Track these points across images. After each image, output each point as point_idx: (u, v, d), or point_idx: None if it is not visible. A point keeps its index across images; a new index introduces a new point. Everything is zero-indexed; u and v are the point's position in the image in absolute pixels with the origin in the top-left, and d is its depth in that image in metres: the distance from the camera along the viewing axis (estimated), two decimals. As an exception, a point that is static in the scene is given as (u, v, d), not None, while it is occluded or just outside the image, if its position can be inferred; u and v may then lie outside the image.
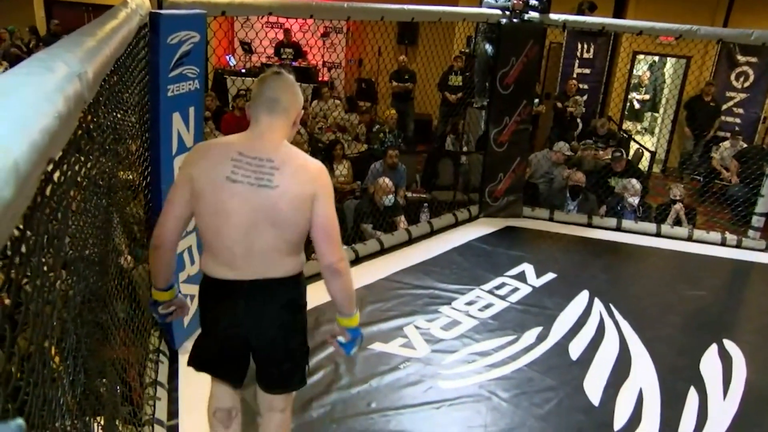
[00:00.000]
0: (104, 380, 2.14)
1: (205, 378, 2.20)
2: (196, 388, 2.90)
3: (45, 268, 1.17)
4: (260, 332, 2.04)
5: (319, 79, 10.13)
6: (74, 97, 1.11)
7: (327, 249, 2.00)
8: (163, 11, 2.75)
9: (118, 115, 2.22)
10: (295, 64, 9.83)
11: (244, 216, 1.88)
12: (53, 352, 1.35)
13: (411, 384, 3.08)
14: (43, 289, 1.15)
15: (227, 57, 9.89)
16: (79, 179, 1.44)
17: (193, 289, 3.25)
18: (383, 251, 4.66)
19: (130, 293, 2.69)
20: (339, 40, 10.51)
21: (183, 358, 3.12)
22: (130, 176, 2.91)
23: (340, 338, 2.15)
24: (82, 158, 1.46)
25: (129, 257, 2.98)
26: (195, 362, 2.19)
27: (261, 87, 1.99)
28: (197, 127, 3.09)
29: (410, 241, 4.89)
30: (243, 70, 9.76)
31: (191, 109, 3.01)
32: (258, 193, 1.86)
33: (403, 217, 5.23)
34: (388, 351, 3.35)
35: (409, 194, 6.03)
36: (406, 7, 4.35)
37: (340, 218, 5.16)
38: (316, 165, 1.98)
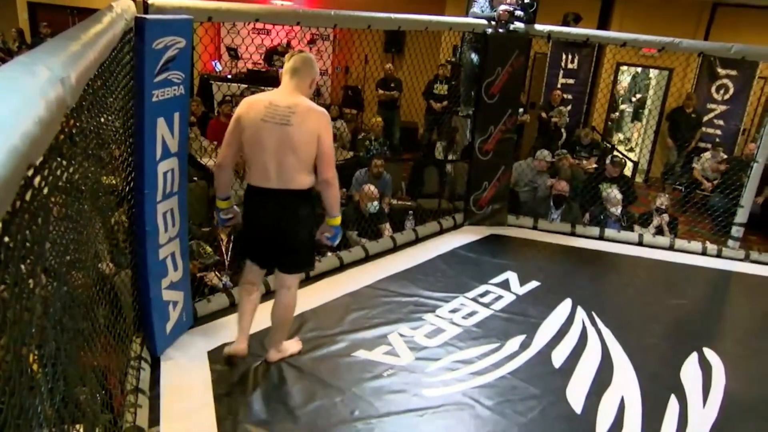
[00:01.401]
0: (84, 388, 2.11)
1: (187, 386, 2.19)
2: (178, 396, 2.89)
3: (24, 275, 1.15)
4: (280, 224, 2.91)
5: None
6: (56, 101, 1.10)
7: (324, 168, 2.88)
8: (148, 16, 2.74)
9: (102, 120, 2.21)
10: (281, 70, 9.81)
11: (272, 145, 2.79)
12: (32, 359, 1.34)
13: (395, 392, 3.07)
14: (21, 295, 1.13)
15: (213, 62, 9.86)
16: (60, 184, 1.43)
17: (177, 296, 3.24)
18: (368, 258, 4.66)
19: (112, 299, 2.66)
20: (326, 48, 10.53)
21: (165, 365, 3.11)
22: (114, 181, 2.88)
23: (327, 234, 3.07)
24: (64, 163, 1.45)
25: (111, 263, 2.96)
26: (240, 252, 3.46)
27: (288, 60, 2.92)
28: (182, 133, 3.07)
29: (395, 248, 4.90)
30: (229, 76, 9.73)
31: (176, 115, 3.00)
32: (281, 129, 2.78)
33: (388, 225, 5.24)
34: (372, 359, 3.34)
35: (395, 202, 6.04)
36: (393, 15, 4.37)
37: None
38: (320, 111, 2.85)
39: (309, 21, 4.19)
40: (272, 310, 3.17)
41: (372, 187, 5.12)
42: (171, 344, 3.27)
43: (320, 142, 2.82)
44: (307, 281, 4.18)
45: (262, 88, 8.92)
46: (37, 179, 1.16)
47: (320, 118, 2.82)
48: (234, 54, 9.89)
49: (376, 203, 5.05)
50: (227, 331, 3.47)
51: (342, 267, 4.46)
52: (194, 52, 3.33)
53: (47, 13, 10.24)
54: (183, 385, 2.99)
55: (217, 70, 9.82)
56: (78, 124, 1.67)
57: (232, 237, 4.39)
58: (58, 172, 1.38)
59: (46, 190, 1.25)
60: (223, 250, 4.35)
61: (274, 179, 2.84)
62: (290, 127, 2.77)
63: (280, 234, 2.94)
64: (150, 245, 2.96)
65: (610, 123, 9.47)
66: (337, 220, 3.04)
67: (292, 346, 3.36)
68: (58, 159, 1.38)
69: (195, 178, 5.48)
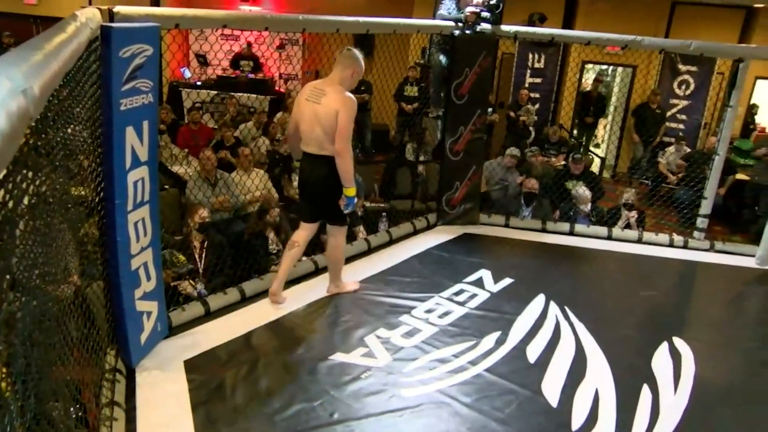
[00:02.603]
0: (57, 403, 2.09)
1: (164, 397, 2.18)
2: (155, 407, 2.87)
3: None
4: (315, 182, 3.70)
5: (276, 90, 10.09)
6: (18, 113, 1.09)
7: (338, 139, 3.51)
8: (114, 24, 2.71)
9: (69, 131, 2.19)
10: (251, 76, 9.78)
11: (308, 118, 3.57)
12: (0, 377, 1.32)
13: (373, 393, 3.09)
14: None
15: (182, 69, 9.77)
16: (27, 197, 1.42)
17: (150, 306, 3.21)
18: (343, 262, 4.67)
19: (84, 312, 2.63)
20: (295, 52, 10.50)
21: (141, 377, 3.08)
22: (83, 192, 2.85)
23: (341, 202, 3.65)
24: (30, 175, 1.44)
25: (82, 276, 2.92)
26: (295, 212, 4.39)
27: (337, 55, 3.65)
28: (151, 141, 3.05)
29: (369, 250, 4.92)
30: (198, 83, 9.65)
31: (145, 123, 2.98)
32: (314, 107, 3.54)
33: (362, 227, 5.26)
34: (350, 361, 3.35)
35: (368, 204, 6.06)
36: (361, 19, 4.39)
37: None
38: (345, 95, 3.54)
39: (277, 26, 4.18)
40: (325, 253, 4.13)
41: None
42: (146, 355, 3.24)
43: (338, 118, 3.47)
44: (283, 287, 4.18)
45: (232, 94, 8.89)
46: (1, 192, 1.15)
47: (342, 99, 3.51)
48: (203, 60, 9.82)
49: (346, 204, 5.06)
50: (203, 340, 3.46)
51: (317, 271, 4.46)
52: (162, 60, 3.31)
53: (10, 23, 10.03)
54: (159, 396, 2.96)
55: (186, 76, 9.73)
56: (43, 135, 1.66)
57: (206, 244, 4.37)
58: (24, 185, 1.37)
59: (11, 204, 1.24)
60: (197, 257, 4.32)
61: (311, 144, 3.62)
62: (319, 105, 3.52)
63: (315, 190, 3.73)
64: (122, 256, 2.93)
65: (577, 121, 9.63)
66: (350, 191, 3.62)
67: (350, 285, 4.14)
68: (24, 171, 1.37)
69: (166, 186, 5.43)
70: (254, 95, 9.18)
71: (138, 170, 2.96)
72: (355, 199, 3.70)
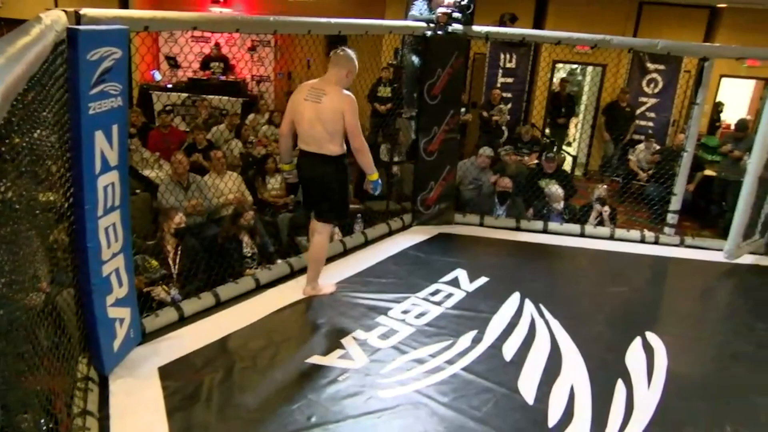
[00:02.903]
0: (26, 415, 2.04)
1: (138, 404, 2.15)
2: (129, 415, 2.82)
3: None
4: (314, 180, 3.84)
5: (249, 92, 10.03)
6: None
7: (353, 139, 3.68)
8: (81, 27, 2.66)
9: (35, 136, 2.14)
10: (223, 78, 9.70)
11: (308, 118, 3.65)
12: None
13: (351, 395, 3.08)
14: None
15: (152, 72, 9.64)
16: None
17: (123, 312, 3.16)
18: (319, 264, 4.65)
19: (55, 320, 2.58)
20: (267, 54, 10.44)
21: (114, 385, 3.03)
22: (52, 198, 2.80)
23: (369, 188, 3.93)
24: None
25: (49, 284, 2.86)
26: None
27: (331, 55, 3.69)
28: (121, 145, 3.00)
29: (345, 252, 4.90)
30: (169, 85, 9.54)
31: (115, 127, 2.93)
32: (315, 106, 3.63)
33: (337, 229, 5.24)
34: (327, 364, 3.34)
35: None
36: (332, 20, 4.37)
37: (275, 232, 5.16)
38: (346, 94, 3.65)
39: (248, 28, 4.15)
40: (308, 251, 4.16)
41: None
42: (119, 362, 3.18)
43: (345, 118, 3.61)
44: (257, 290, 4.16)
45: (204, 97, 8.80)
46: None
47: (345, 99, 3.62)
48: (173, 63, 9.71)
49: None
50: (178, 346, 3.41)
51: (293, 273, 4.43)
52: (132, 62, 3.26)
53: (-30, 25, 9.78)
54: (133, 404, 2.92)
55: (157, 79, 9.61)
56: (7, 140, 1.62)
57: (179, 248, 4.31)
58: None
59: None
60: (170, 262, 4.27)
61: (310, 143, 3.72)
62: (320, 104, 3.61)
63: (313, 187, 3.88)
64: (92, 262, 2.88)
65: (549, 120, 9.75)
66: (374, 176, 3.87)
67: (327, 287, 4.14)
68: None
69: (137, 191, 5.36)
70: (226, 97, 9.11)
71: (108, 175, 2.91)
72: (380, 183, 3.94)
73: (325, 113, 3.61)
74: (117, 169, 2.99)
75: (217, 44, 9.79)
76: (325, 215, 3.92)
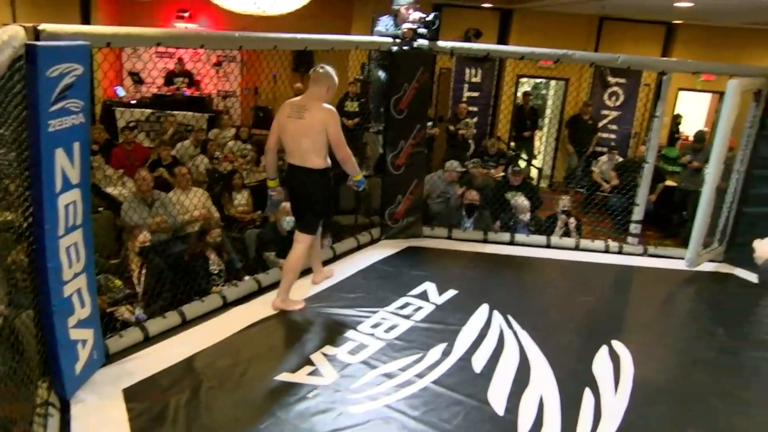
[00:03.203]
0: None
1: (101, 428, 2.09)
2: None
3: None
4: (298, 191, 3.99)
5: (214, 107, 9.96)
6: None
7: (338, 150, 3.87)
8: (40, 43, 2.62)
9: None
10: (187, 93, 9.62)
11: (292, 133, 3.82)
12: None
13: (320, 412, 3.06)
14: None
15: (115, 88, 9.50)
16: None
17: (85, 334, 3.09)
18: (287, 279, 4.62)
19: (12, 343, 2.50)
20: (233, 69, 10.40)
21: (76, 408, 2.95)
22: (10, 217, 2.73)
23: (351, 185, 4.12)
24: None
25: (7, 306, 2.78)
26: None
27: (311, 73, 3.87)
28: (83, 163, 2.95)
29: (314, 267, 4.88)
30: (133, 101, 9.41)
31: (76, 144, 2.88)
32: (298, 122, 3.78)
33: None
34: (296, 380, 3.31)
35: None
36: (298, 36, 4.38)
37: (242, 248, 5.11)
38: (328, 108, 3.80)
39: (213, 44, 4.14)
40: (286, 260, 4.13)
41: (286, 203, 5.11)
42: (81, 385, 3.10)
43: (328, 131, 3.77)
44: (224, 308, 4.10)
45: (170, 113, 8.71)
46: None
47: (326, 112, 3.78)
48: (137, 79, 9.59)
49: (290, 218, 5.03)
50: (143, 367, 3.34)
51: (260, 290, 4.39)
52: (94, 79, 3.21)
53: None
54: (96, 427, 2.84)
55: (120, 95, 9.47)
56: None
57: (144, 267, 4.24)
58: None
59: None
60: (135, 281, 4.19)
61: (296, 158, 3.87)
62: (303, 120, 3.77)
63: (298, 198, 4.04)
64: (53, 282, 2.81)
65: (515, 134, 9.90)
66: (358, 176, 4.07)
67: (296, 304, 4.16)
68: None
69: (100, 209, 5.26)
70: (191, 113, 9.02)
71: (69, 193, 2.86)
72: (363, 181, 4.14)
73: (308, 128, 3.76)
74: (79, 187, 2.93)
75: (180, 59, 9.71)
76: (306, 226, 4.04)
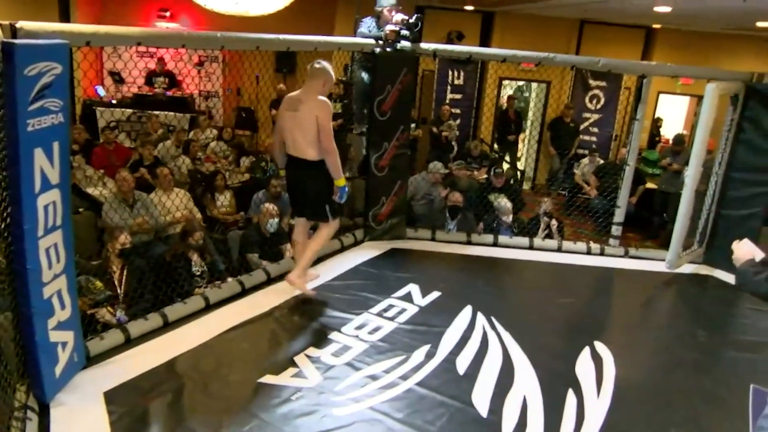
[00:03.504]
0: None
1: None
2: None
3: None
4: (299, 183, 4.15)
5: (196, 108, 9.89)
6: None
7: (324, 140, 3.92)
8: (18, 41, 2.57)
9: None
10: (169, 93, 9.54)
11: (290, 126, 3.99)
12: None
13: (304, 414, 3.04)
14: None
15: (96, 88, 9.38)
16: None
17: (66, 336, 3.04)
18: (270, 281, 4.59)
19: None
20: (214, 69, 10.32)
21: (56, 412, 2.90)
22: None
23: (335, 196, 4.10)
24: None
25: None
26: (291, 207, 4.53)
27: (308, 68, 4.04)
28: (63, 163, 2.91)
29: (297, 269, 4.86)
30: (113, 101, 9.31)
31: (55, 144, 2.83)
32: (294, 114, 3.95)
33: (289, 245, 5.20)
34: (279, 383, 3.29)
35: (294, 222, 6.00)
36: (281, 36, 4.36)
37: (225, 250, 5.07)
38: (320, 100, 3.92)
39: (195, 44, 4.10)
40: (311, 238, 4.31)
41: (271, 205, 5.10)
42: (61, 388, 3.05)
43: (318, 121, 3.87)
44: (207, 310, 4.07)
45: (150, 112, 8.62)
46: None
47: (319, 104, 3.91)
48: (118, 78, 9.48)
49: (273, 221, 5.02)
50: (124, 369, 3.30)
51: (244, 292, 4.36)
52: (74, 78, 3.17)
53: None
54: (76, 431, 2.80)
55: (101, 95, 9.36)
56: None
57: (125, 268, 4.19)
58: None
59: None
60: (116, 283, 4.13)
61: (293, 150, 4.03)
62: (298, 113, 3.93)
63: (297, 189, 4.18)
64: (32, 284, 2.76)
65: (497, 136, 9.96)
66: (341, 182, 4.06)
67: (308, 289, 4.31)
68: None
69: (81, 209, 5.19)
70: (173, 113, 8.95)
71: (49, 193, 2.81)
72: (346, 189, 4.14)
73: (302, 121, 3.92)
74: (59, 187, 2.89)
75: (161, 59, 9.63)
76: (323, 215, 4.19)
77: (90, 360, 3.34)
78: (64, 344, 3.05)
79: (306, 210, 4.26)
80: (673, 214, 5.63)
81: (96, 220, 5.16)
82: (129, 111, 8.86)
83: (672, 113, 10.69)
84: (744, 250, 2.68)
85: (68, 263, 3.04)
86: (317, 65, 4.01)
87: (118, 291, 4.12)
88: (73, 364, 3.15)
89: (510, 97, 9.67)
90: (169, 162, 6.57)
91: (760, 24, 8.09)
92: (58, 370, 3.01)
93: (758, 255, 2.65)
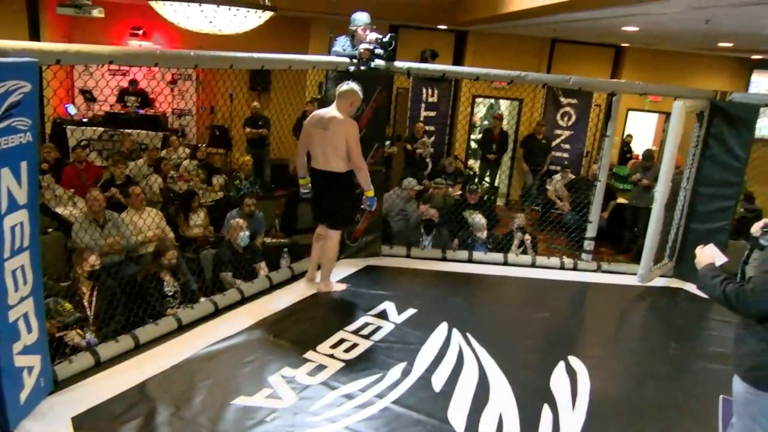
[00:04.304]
0: None
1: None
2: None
3: None
4: (323, 192, 4.54)
5: (169, 126, 9.81)
6: None
7: (353, 157, 4.35)
8: (-16, 60, 2.54)
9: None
10: (141, 112, 9.46)
11: (319, 142, 4.38)
12: None
13: (279, 435, 3.00)
14: None
15: (66, 106, 9.27)
16: None
17: (32, 360, 2.97)
18: (244, 300, 4.54)
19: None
20: (188, 87, 10.28)
21: (21, 439, 2.81)
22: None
23: (365, 205, 4.58)
24: None
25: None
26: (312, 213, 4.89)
27: (337, 90, 4.43)
28: (31, 183, 2.85)
29: (272, 287, 4.82)
30: (84, 120, 9.20)
31: (23, 164, 2.78)
32: (323, 133, 4.35)
33: (263, 264, 5.16)
34: (253, 404, 3.24)
35: (269, 240, 5.97)
36: (255, 55, 4.36)
37: (198, 269, 5.01)
38: (348, 121, 4.35)
39: (168, 62, 4.08)
40: (322, 252, 4.75)
41: (239, 219, 5.09)
42: (27, 415, 2.97)
43: (347, 141, 4.30)
44: (179, 331, 4.00)
45: (122, 131, 8.54)
46: None
47: (347, 124, 4.33)
48: (89, 96, 9.38)
49: (244, 234, 4.99)
50: (94, 393, 3.22)
51: (217, 312, 4.31)
52: (44, 96, 3.12)
53: None
54: (44, 458, 2.72)
55: (71, 113, 9.24)
56: None
57: (95, 289, 4.11)
58: None
59: None
60: (86, 304, 4.05)
61: (322, 163, 4.42)
62: (327, 131, 4.33)
63: (323, 199, 4.56)
64: (-2, 307, 2.70)
65: (471, 151, 10.06)
66: (370, 193, 4.50)
67: (338, 286, 4.84)
68: None
69: (50, 229, 5.09)
70: (145, 132, 8.87)
71: (16, 214, 2.76)
72: (375, 199, 4.58)
73: (332, 139, 4.32)
74: (26, 207, 2.83)
75: (134, 80, 9.58)
76: (334, 224, 4.61)
77: (58, 384, 3.26)
78: (30, 369, 2.97)
79: (331, 216, 4.61)
80: (643, 229, 5.72)
81: (65, 240, 5.06)
82: (100, 129, 8.76)
83: (641, 130, 10.92)
84: (706, 254, 2.80)
85: (36, 285, 2.98)
86: (345, 87, 4.38)
87: (88, 313, 4.03)
88: (39, 390, 3.07)
89: (496, 117, 9.65)
90: (141, 181, 6.50)
91: (721, 44, 8.34)
92: (24, 396, 2.93)
93: (719, 260, 2.76)
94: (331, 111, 4.40)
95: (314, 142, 4.41)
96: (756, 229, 2.91)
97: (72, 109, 9.29)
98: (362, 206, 4.60)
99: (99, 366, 3.50)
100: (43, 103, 3.22)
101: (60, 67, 3.31)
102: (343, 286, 4.85)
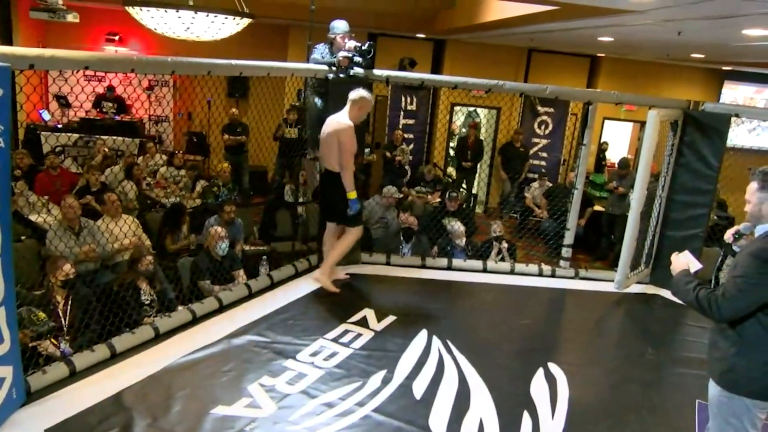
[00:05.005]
0: None
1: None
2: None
3: None
4: (327, 190, 4.87)
5: (146, 133, 9.71)
6: None
7: (341, 158, 4.57)
8: (-43, 65, 2.49)
9: None
10: (117, 118, 9.35)
11: (322, 143, 4.75)
12: None
13: (258, 445, 2.97)
14: None
15: (40, 112, 9.11)
16: None
17: (4, 371, 2.91)
18: (222, 309, 4.50)
19: None
20: (165, 94, 10.18)
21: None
22: None
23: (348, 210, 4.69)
24: None
25: None
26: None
27: (350, 95, 4.66)
28: (3, 190, 2.80)
29: (251, 295, 4.78)
30: (59, 125, 9.05)
31: (-5, 170, 2.73)
32: (326, 135, 4.67)
33: (242, 272, 5.12)
34: (232, 413, 3.20)
35: (248, 247, 5.92)
36: (233, 62, 4.34)
37: (175, 277, 4.95)
38: (343, 123, 4.60)
39: (144, 68, 4.03)
40: (338, 242, 4.95)
41: (218, 228, 5.02)
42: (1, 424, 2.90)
43: (338, 139, 4.54)
44: (156, 340, 3.95)
45: (98, 137, 8.42)
46: None
47: (341, 126, 4.59)
48: (64, 102, 9.24)
49: (223, 243, 4.93)
50: (68, 404, 3.16)
51: (195, 320, 4.26)
52: (16, 102, 3.07)
53: None
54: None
55: (45, 119, 9.09)
56: None
57: (70, 298, 4.03)
58: None
59: None
60: (60, 313, 3.97)
61: (323, 163, 4.81)
62: (326, 134, 4.67)
63: (326, 196, 4.92)
64: (-32, 317, 2.64)
65: (449, 159, 10.11)
66: (352, 195, 4.64)
67: (332, 286, 4.94)
68: None
69: (23, 237, 5.00)
70: (121, 138, 8.77)
71: (-13, 222, 2.70)
72: (357, 202, 4.72)
73: (327, 139, 4.65)
74: (-2, 215, 2.77)
75: (110, 87, 9.47)
76: (346, 220, 4.84)
77: (31, 396, 3.19)
78: (1, 380, 2.91)
79: (333, 215, 4.91)
80: (620, 236, 5.80)
81: (39, 248, 4.97)
82: (75, 136, 8.63)
83: (616, 138, 11.09)
84: (681, 261, 2.86)
85: (8, 294, 2.92)
86: (356, 94, 4.64)
87: (63, 322, 3.96)
88: (11, 401, 3.00)
89: (472, 125, 9.71)
90: (116, 188, 6.42)
91: (694, 55, 8.52)
92: (-3, 405, 2.86)
93: (694, 267, 2.82)
94: (338, 115, 4.68)
95: (321, 144, 4.78)
96: (728, 235, 2.96)
97: (46, 115, 9.14)
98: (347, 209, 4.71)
99: (74, 376, 3.44)
100: (16, 108, 3.16)
101: (33, 72, 3.26)
102: (336, 290, 4.93)
